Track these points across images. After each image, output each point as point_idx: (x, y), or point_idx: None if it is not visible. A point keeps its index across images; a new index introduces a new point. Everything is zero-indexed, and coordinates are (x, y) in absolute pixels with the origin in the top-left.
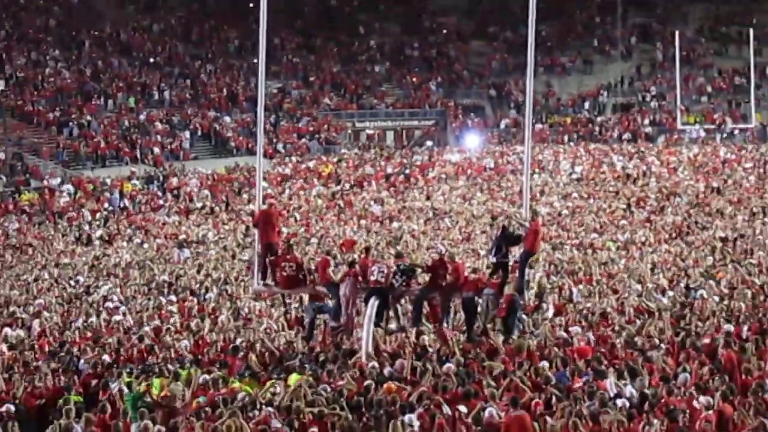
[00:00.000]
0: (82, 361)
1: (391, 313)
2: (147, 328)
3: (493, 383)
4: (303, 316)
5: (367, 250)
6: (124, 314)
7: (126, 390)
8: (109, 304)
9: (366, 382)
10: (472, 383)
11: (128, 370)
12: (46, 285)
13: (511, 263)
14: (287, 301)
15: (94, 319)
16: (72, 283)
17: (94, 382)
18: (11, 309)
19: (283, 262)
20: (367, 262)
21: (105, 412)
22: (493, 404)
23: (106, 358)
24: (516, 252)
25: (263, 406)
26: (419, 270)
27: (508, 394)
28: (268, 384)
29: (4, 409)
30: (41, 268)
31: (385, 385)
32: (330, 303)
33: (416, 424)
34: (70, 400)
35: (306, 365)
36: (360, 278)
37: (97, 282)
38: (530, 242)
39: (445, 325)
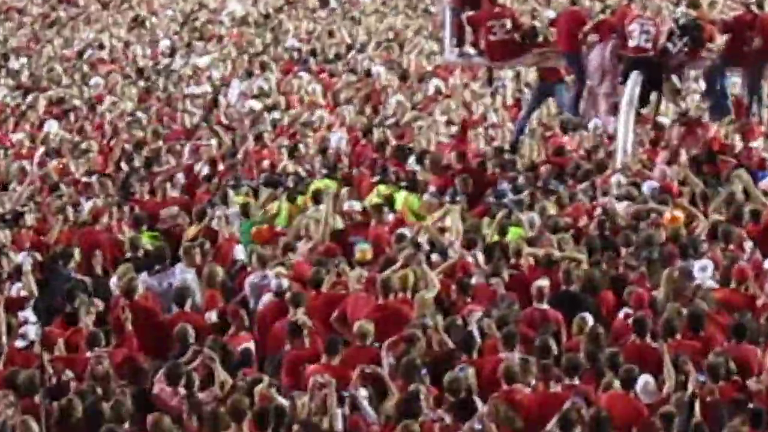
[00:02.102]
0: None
1: (664, 95)
2: (269, 117)
3: None
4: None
5: None
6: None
7: (239, 219)
8: (206, 87)
9: (620, 206)
10: None
11: (241, 184)
12: (109, 55)
13: None
14: (496, 77)
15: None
16: (149, 51)
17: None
18: (60, 94)
19: (490, 19)
20: (628, 11)
21: (204, 251)
22: None
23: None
24: None
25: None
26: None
27: None
28: (442, 210)
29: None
30: (100, 29)
31: (665, 215)
32: (567, 82)
33: (709, 271)
34: (140, 242)
35: (519, 183)
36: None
37: (189, 49)
38: None
39: (752, 113)
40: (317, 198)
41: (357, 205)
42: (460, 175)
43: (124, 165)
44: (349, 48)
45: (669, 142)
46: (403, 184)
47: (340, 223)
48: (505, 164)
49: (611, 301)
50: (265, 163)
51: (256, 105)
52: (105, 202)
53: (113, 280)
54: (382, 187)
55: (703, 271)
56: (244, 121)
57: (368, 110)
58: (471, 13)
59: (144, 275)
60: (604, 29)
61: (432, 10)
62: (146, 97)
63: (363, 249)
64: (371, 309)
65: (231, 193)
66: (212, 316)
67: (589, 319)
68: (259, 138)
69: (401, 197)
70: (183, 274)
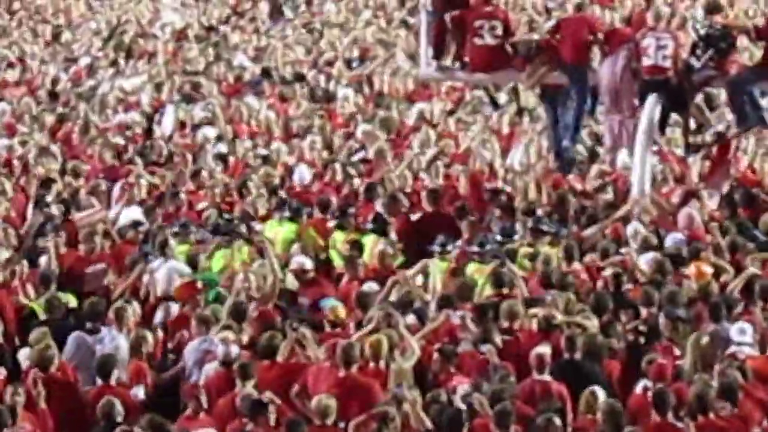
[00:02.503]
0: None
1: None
2: (212, 149)
3: None
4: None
5: None
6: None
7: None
8: (135, 115)
9: (642, 260)
10: None
11: (188, 231)
12: (19, 76)
13: None
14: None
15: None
16: (66, 71)
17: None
18: None
19: (477, 19)
20: (644, 16)
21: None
22: None
23: (134, 211)
24: None
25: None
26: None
27: None
28: (421, 263)
29: None
30: (8, 44)
31: (692, 267)
32: (572, 100)
33: (749, 336)
34: (57, 302)
35: (509, 228)
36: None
37: (115, 68)
38: None
39: None
40: (260, 249)
41: (308, 263)
42: (465, 219)
43: (32, 209)
44: (310, 66)
45: (687, 178)
46: (369, 226)
47: (291, 281)
48: (498, 205)
49: (617, 371)
50: (202, 205)
51: (210, 132)
52: (9, 256)
53: (23, 351)
54: (339, 234)
55: (742, 335)
56: (185, 155)
57: (336, 141)
58: (455, 14)
59: (78, 334)
60: (615, 40)
61: (411, 21)
62: (62, 127)
63: (334, 307)
64: (332, 382)
65: (172, 242)
66: (139, 393)
67: (601, 394)
68: (197, 175)
69: (369, 242)
70: (114, 341)
